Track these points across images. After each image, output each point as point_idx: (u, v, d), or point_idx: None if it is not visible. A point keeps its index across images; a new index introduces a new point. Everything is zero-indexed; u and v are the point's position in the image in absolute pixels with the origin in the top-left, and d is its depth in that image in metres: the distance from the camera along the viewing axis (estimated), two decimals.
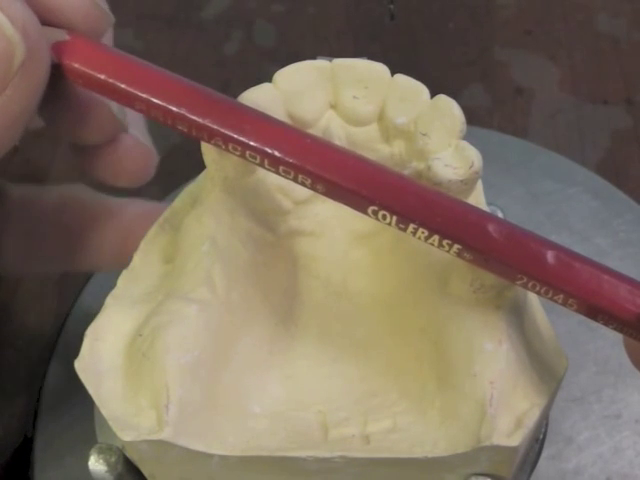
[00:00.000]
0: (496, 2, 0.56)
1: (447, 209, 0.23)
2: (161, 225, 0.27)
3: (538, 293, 0.23)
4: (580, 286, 0.22)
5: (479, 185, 0.26)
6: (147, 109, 0.24)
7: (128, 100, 0.24)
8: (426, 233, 0.23)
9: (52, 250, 0.33)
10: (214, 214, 0.26)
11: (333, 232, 0.28)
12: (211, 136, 0.24)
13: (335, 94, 0.27)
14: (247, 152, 0.24)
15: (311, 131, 0.27)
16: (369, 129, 0.27)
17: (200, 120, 0.24)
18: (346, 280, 0.28)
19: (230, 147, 0.24)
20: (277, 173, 0.24)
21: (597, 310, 0.23)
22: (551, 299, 0.23)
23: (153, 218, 0.28)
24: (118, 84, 0.24)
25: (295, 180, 0.24)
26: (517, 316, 0.25)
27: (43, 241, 0.33)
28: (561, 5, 0.55)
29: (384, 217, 0.23)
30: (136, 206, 0.33)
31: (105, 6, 0.26)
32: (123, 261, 0.28)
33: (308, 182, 0.23)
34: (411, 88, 0.27)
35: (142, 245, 0.27)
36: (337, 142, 0.27)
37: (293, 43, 0.55)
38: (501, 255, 0.23)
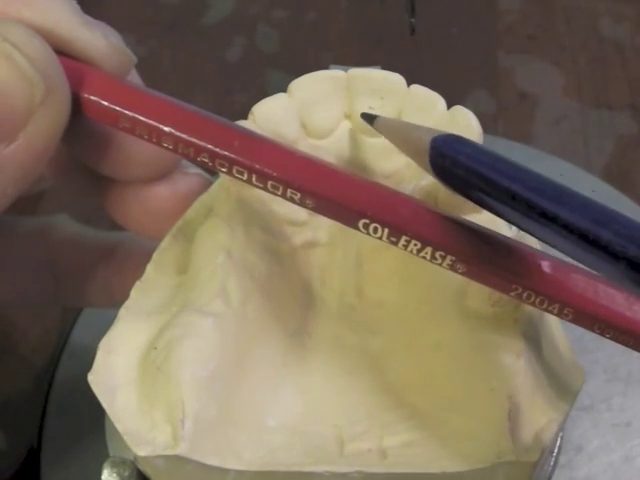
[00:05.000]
0: (500, 7, 0.56)
1: (439, 220, 0.23)
2: (174, 235, 0.27)
3: (532, 304, 0.23)
4: (576, 295, 0.22)
5: None
6: (132, 127, 0.24)
7: (112, 119, 0.24)
8: (419, 245, 0.23)
9: (35, 284, 0.32)
10: (229, 225, 0.26)
11: (348, 243, 0.28)
12: (198, 152, 0.23)
13: (350, 104, 0.27)
14: (234, 168, 0.23)
15: (326, 141, 0.27)
16: (385, 140, 0.27)
17: (186, 137, 0.23)
18: (361, 292, 0.28)
19: (217, 163, 0.23)
20: (265, 189, 0.23)
21: (594, 319, 0.22)
22: (546, 309, 0.23)
23: (146, 258, 0.27)
24: (103, 102, 0.24)
25: (284, 196, 0.23)
26: (534, 329, 0.25)
27: (24, 274, 0.32)
28: (564, 10, 0.55)
29: (375, 230, 0.23)
30: (129, 245, 0.32)
31: (127, 50, 0.26)
32: (116, 300, 0.27)
33: (297, 197, 0.23)
34: (427, 99, 0.26)
35: (155, 256, 0.27)
36: (352, 152, 0.27)
37: (295, 49, 0.55)
38: (495, 265, 0.23)
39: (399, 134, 0.25)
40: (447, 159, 0.21)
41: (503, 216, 0.20)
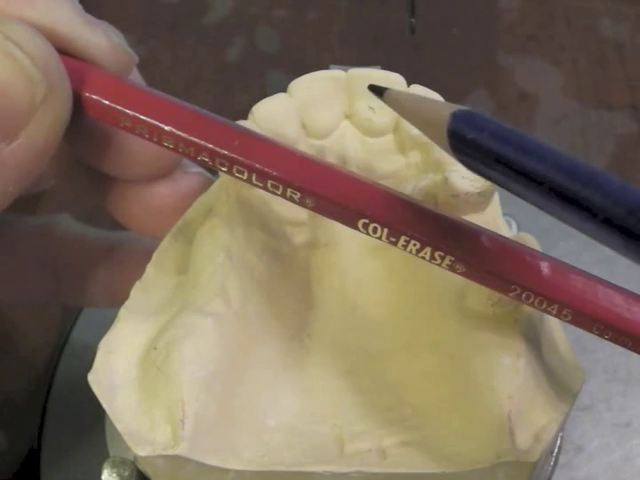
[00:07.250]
0: (499, 7, 0.56)
1: (438, 221, 0.23)
2: (174, 235, 0.27)
3: (532, 305, 0.23)
4: (576, 295, 0.22)
5: (496, 197, 0.26)
6: (133, 126, 0.24)
7: (113, 118, 0.24)
8: (418, 246, 0.23)
9: (36, 283, 0.32)
10: (229, 226, 0.26)
11: (348, 243, 0.28)
12: (198, 151, 0.23)
13: (350, 104, 0.27)
14: (234, 167, 0.23)
15: (326, 141, 0.27)
16: (385, 140, 0.27)
17: (186, 136, 0.23)
18: (361, 292, 0.28)
19: (217, 162, 0.23)
20: (265, 189, 0.23)
21: (593, 320, 0.22)
22: (545, 310, 0.23)
23: (146, 258, 0.27)
24: (104, 101, 0.24)
25: (284, 195, 0.23)
26: (534, 329, 0.25)
27: (25, 273, 0.32)
28: (564, 10, 0.55)
29: (375, 230, 0.23)
30: (130, 245, 0.32)
31: (128, 49, 0.26)
32: (116, 300, 0.27)
33: (297, 197, 0.23)
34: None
35: (155, 256, 0.27)
36: (352, 153, 0.27)
37: (295, 49, 0.55)
38: (495, 266, 0.23)
39: (412, 107, 0.23)
40: (468, 136, 0.19)
41: (525, 197, 0.19)
